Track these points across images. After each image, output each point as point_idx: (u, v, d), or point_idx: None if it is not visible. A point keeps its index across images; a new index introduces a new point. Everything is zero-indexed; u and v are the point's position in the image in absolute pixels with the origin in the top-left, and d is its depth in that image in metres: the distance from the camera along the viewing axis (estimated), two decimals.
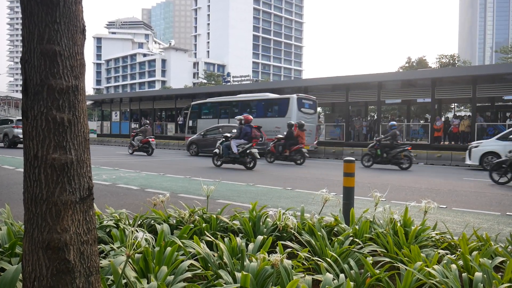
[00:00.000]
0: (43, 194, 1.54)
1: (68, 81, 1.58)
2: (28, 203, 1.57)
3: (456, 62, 44.59)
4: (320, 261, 2.58)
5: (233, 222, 3.55)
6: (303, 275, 2.31)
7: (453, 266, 2.46)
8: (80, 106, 1.63)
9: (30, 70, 1.55)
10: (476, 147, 14.11)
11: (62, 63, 1.57)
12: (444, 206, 6.21)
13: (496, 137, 14.18)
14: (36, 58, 1.54)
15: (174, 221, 3.52)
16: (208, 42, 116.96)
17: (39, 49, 1.54)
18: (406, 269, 2.35)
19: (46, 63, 1.54)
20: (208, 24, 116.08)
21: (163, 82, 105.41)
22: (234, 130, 14.23)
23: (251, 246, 2.80)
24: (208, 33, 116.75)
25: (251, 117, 13.26)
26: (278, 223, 3.40)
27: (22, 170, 1.61)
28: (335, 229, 3.55)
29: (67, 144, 1.57)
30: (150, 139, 18.18)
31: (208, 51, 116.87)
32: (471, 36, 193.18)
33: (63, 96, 1.57)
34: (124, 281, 2.01)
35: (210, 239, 2.91)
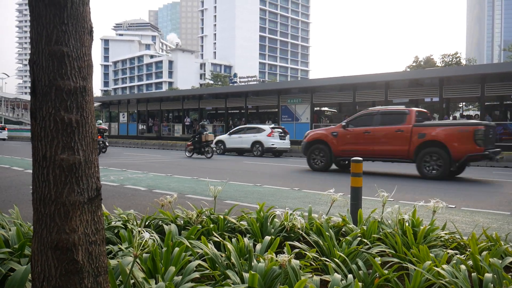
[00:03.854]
0: (52, 195, 1.55)
1: (76, 82, 1.59)
2: (37, 203, 1.58)
3: (459, 59, 44.12)
4: (328, 262, 2.56)
5: (241, 222, 3.54)
6: (311, 275, 2.31)
7: (463, 266, 2.44)
8: (88, 107, 1.64)
9: (38, 71, 1.56)
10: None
11: (70, 64, 1.58)
12: (453, 206, 6.16)
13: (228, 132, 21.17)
14: (44, 59, 1.55)
15: (182, 221, 3.52)
16: (215, 43, 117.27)
17: (47, 50, 1.55)
18: (415, 269, 2.34)
19: (54, 64, 1.55)
20: (215, 25, 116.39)
21: (170, 83, 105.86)
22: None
23: (258, 246, 2.80)
24: (215, 34, 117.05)
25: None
26: (285, 223, 3.39)
27: (31, 171, 1.62)
28: (343, 229, 3.54)
29: (75, 145, 1.58)
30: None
31: (214, 52, 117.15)
32: (479, 34, 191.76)
33: (71, 97, 1.58)
34: (132, 281, 2.02)
35: (218, 240, 2.91)
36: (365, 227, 3.36)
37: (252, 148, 19.91)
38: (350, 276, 2.27)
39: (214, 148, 17.98)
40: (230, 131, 22.01)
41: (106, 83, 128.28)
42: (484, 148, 9.79)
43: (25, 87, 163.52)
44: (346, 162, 12.29)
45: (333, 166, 12.66)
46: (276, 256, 2.27)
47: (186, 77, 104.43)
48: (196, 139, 17.73)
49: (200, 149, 17.64)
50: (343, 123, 11.93)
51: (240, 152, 21.01)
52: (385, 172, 12.17)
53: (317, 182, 9.28)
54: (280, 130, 20.36)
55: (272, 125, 21.22)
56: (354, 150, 11.36)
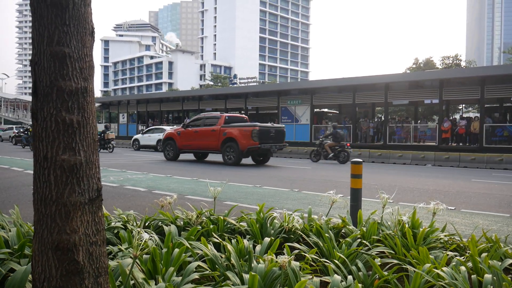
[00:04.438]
0: (53, 195, 1.55)
1: (77, 82, 1.59)
2: (37, 204, 1.58)
3: (460, 61, 44.10)
4: (328, 263, 2.57)
5: (240, 223, 3.55)
6: (311, 276, 2.31)
7: (462, 268, 2.44)
8: (89, 108, 1.64)
9: (40, 72, 1.56)
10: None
11: (72, 65, 1.58)
12: (453, 208, 6.16)
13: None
14: (45, 60, 1.55)
15: (182, 222, 3.52)
16: (215, 44, 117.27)
17: (49, 51, 1.55)
18: (414, 271, 2.34)
19: (56, 65, 1.55)
20: (215, 26, 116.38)
21: (170, 84, 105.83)
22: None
23: (258, 247, 2.80)
24: (215, 35, 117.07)
25: None
26: (285, 224, 3.39)
27: (31, 172, 1.63)
28: (343, 230, 3.54)
29: (76, 146, 1.58)
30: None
31: (214, 53, 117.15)
32: (479, 36, 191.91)
33: (72, 98, 1.58)
34: (132, 282, 2.02)
35: (218, 241, 2.91)
36: (364, 229, 3.37)
37: (157, 145, 23.42)
38: (350, 277, 2.27)
39: (115, 144, 22.40)
40: (143, 131, 26.22)
41: (106, 84, 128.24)
42: (259, 143, 13.42)
43: (25, 88, 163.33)
44: (200, 154, 16.25)
45: (188, 157, 16.89)
46: (276, 257, 2.28)
47: (186, 78, 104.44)
48: (101, 137, 21.71)
49: (104, 145, 21.91)
50: (182, 124, 15.67)
51: (154, 148, 24.06)
52: (212, 161, 15.84)
53: (157, 167, 12.52)
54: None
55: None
56: (189, 145, 15.17)
